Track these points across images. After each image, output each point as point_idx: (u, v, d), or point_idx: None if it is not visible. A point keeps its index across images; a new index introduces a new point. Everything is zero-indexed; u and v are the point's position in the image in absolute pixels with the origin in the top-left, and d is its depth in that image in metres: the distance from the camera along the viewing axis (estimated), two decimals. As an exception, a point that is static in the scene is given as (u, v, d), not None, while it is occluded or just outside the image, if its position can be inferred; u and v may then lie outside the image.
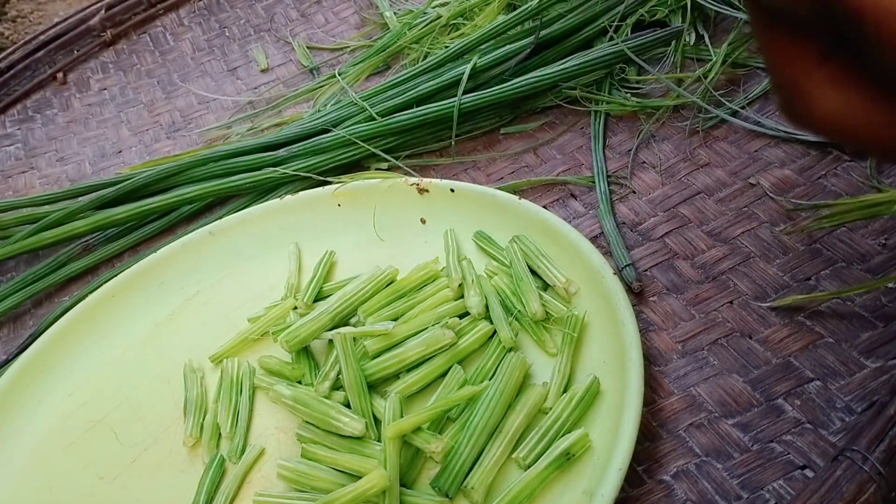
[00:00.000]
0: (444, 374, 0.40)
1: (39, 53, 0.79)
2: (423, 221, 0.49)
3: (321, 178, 0.54)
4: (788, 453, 0.34)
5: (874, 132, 0.21)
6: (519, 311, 0.41)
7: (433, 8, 0.68)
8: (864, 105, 0.21)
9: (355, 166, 0.56)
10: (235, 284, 0.51)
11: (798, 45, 0.23)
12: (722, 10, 0.55)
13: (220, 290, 0.51)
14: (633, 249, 0.45)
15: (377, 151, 0.55)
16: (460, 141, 0.56)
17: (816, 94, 0.22)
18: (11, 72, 0.78)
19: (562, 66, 0.55)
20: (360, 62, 0.66)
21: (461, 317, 0.42)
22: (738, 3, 0.55)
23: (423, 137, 0.56)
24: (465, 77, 0.55)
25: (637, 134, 0.51)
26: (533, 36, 0.56)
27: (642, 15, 0.57)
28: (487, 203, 0.47)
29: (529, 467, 0.35)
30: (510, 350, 0.40)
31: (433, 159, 0.56)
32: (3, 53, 0.79)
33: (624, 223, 0.46)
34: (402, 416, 0.38)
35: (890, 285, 0.38)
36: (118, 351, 0.49)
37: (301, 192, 0.53)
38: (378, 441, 0.38)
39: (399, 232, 0.49)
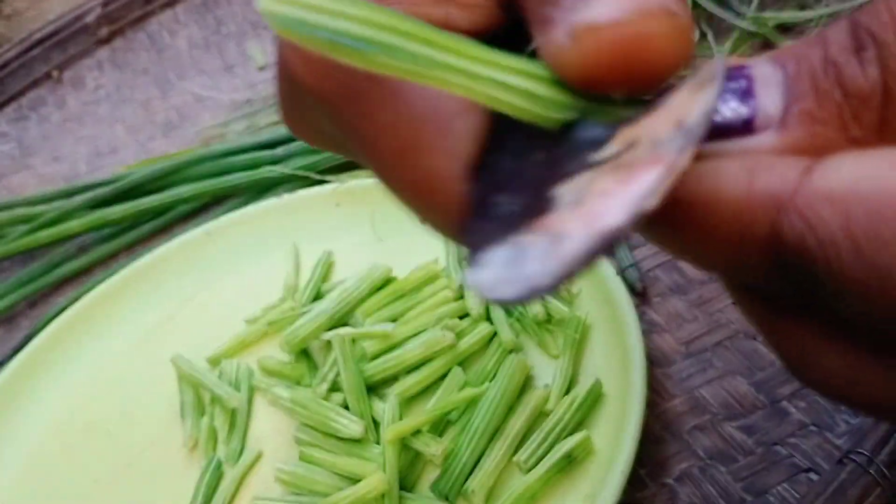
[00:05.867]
0: (444, 376, 0.40)
1: (35, 51, 0.78)
2: (422, 221, 0.49)
3: (320, 177, 0.54)
4: (793, 456, 0.34)
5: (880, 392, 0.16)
6: (520, 312, 0.41)
7: (432, 5, 0.68)
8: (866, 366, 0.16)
9: (354, 165, 0.56)
10: (233, 285, 0.50)
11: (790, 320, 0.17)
12: (719, 15, 0.54)
13: (218, 291, 0.50)
14: (636, 249, 0.44)
15: (376, 150, 0.55)
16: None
17: (814, 361, 0.17)
18: (6, 70, 0.77)
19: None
20: (359, 60, 0.66)
21: (461, 318, 0.42)
22: (734, 7, 0.54)
23: (422, 136, 0.56)
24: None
25: (638, 132, 0.51)
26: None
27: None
28: (487, 202, 0.47)
29: (530, 470, 0.35)
30: (511, 352, 0.39)
31: (432, 158, 0.55)
32: (-2, 51, 0.79)
33: (625, 223, 0.46)
34: (401, 419, 0.37)
35: None
36: (114, 352, 0.48)
37: (299, 192, 0.53)
38: (377, 444, 0.38)
39: (399, 232, 0.49)
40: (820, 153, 0.15)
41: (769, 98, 0.15)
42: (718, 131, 0.16)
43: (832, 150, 0.15)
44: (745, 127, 0.15)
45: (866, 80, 0.14)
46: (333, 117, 0.19)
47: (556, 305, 0.41)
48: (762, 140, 0.15)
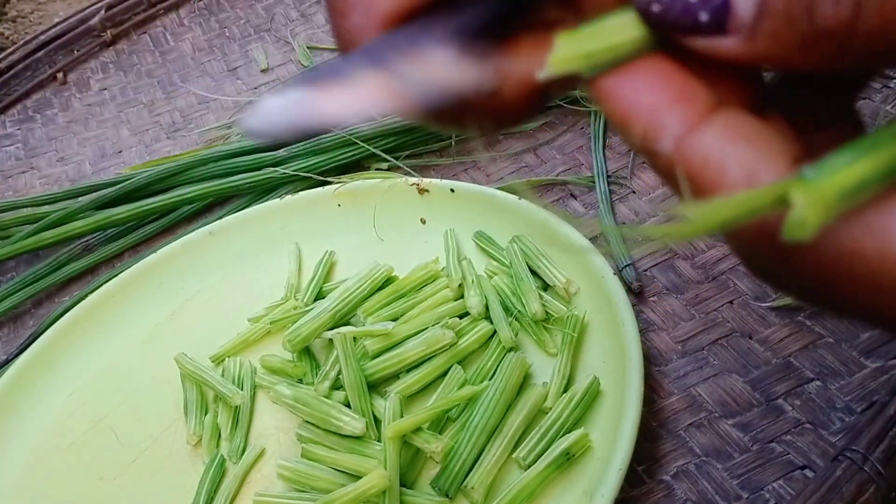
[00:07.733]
0: (444, 374, 0.40)
1: (39, 53, 0.78)
2: (423, 221, 0.49)
3: (321, 178, 0.54)
4: (788, 453, 0.34)
5: None
6: (519, 311, 0.41)
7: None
8: None
9: (355, 166, 0.56)
10: (235, 284, 0.51)
11: None
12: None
13: (220, 290, 0.51)
14: (633, 250, 0.45)
15: (377, 151, 0.55)
16: (460, 141, 0.56)
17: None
18: (11, 72, 0.77)
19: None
20: (361, 62, 0.66)
21: (461, 317, 0.42)
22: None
23: (423, 137, 0.56)
24: (465, 77, 0.55)
25: (637, 134, 0.51)
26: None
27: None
28: (487, 203, 0.47)
29: (529, 467, 0.35)
30: (510, 350, 0.40)
31: (433, 159, 0.56)
32: (4, 53, 0.79)
33: (624, 223, 0.47)
34: (402, 416, 0.38)
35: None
36: (118, 351, 0.49)
37: (301, 193, 0.53)
38: (378, 441, 0.38)
39: (399, 232, 0.49)
40: (776, 66, 0.16)
41: (743, 1, 0.16)
42: (690, 22, 0.16)
43: (788, 67, 0.16)
44: (715, 24, 0.16)
45: (836, 19, 0.15)
46: None
47: (555, 304, 0.41)
48: (729, 44, 0.16)
